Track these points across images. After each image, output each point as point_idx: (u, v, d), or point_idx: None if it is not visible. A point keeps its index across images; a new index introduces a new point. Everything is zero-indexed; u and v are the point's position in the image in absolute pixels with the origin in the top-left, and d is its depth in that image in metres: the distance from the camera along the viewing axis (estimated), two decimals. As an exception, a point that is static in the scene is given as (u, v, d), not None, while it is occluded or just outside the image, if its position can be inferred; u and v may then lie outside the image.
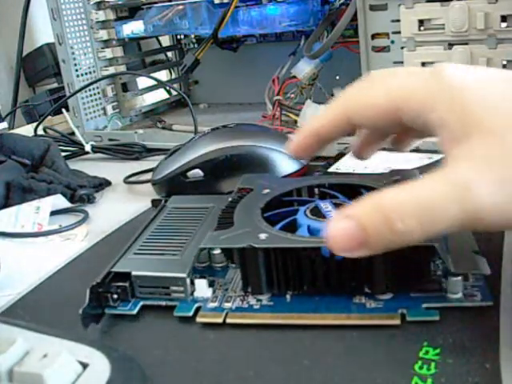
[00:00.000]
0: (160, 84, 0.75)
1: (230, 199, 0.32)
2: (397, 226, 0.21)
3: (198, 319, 0.26)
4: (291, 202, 0.32)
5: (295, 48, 0.63)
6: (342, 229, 0.23)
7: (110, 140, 0.67)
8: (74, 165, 0.58)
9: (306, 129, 0.29)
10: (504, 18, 0.44)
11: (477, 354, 0.22)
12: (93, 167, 0.59)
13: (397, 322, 0.24)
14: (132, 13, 0.70)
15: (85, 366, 0.21)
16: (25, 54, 0.88)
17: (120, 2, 0.69)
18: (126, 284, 0.27)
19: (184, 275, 0.27)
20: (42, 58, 0.90)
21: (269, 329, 0.25)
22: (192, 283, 0.27)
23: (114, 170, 0.56)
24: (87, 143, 0.63)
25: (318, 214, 0.29)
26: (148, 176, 0.49)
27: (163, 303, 0.27)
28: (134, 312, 0.27)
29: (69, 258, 0.35)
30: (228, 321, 0.26)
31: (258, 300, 0.27)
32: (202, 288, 0.27)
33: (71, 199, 0.48)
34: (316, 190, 0.33)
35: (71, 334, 0.23)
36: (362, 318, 0.25)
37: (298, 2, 0.59)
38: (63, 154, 0.59)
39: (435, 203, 0.21)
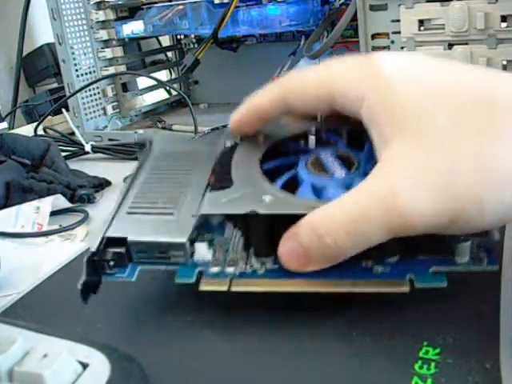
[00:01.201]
0: (160, 84, 0.75)
1: (224, 146, 0.29)
2: (326, 241, 0.23)
3: (202, 287, 0.25)
4: (289, 149, 0.30)
5: (295, 48, 0.63)
6: (288, 249, 0.24)
7: (110, 140, 0.67)
8: (74, 165, 0.58)
9: (246, 105, 0.28)
10: (504, 18, 0.44)
11: (477, 353, 0.22)
12: (93, 167, 0.59)
13: (405, 289, 0.24)
14: (132, 13, 0.70)
15: (85, 366, 0.21)
16: (25, 54, 0.88)
17: (120, 2, 0.69)
18: (123, 250, 0.26)
19: (183, 240, 0.25)
20: (42, 58, 0.90)
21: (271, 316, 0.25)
22: (191, 244, 0.26)
23: (114, 170, 0.56)
24: (87, 143, 0.64)
25: (319, 167, 0.27)
26: (148, 176, 0.49)
27: (162, 267, 0.26)
28: (133, 279, 0.26)
29: (69, 258, 0.35)
30: (233, 289, 0.25)
31: (262, 264, 0.26)
32: (202, 251, 0.26)
33: (71, 199, 0.48)
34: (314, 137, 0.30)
35: (71, 334, 0.23)
36: (369, 285, 0.24)
37: (298, 1, 0.59)
38: (63, 154, 0.59)
39: (361, 215, 0.22)
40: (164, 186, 0.29)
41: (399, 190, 0.21)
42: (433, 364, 0.22)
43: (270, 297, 0.25)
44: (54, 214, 0.46)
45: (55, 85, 0.89)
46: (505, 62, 0.45)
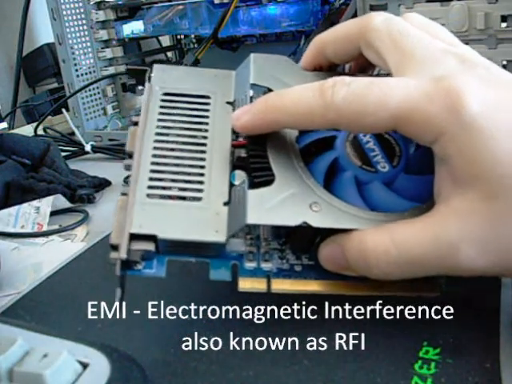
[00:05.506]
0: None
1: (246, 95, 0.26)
2: (373, 271, 0.22)
3: (241, 286, 0.24)
4: None
5: (295, 48, 0.63)
6: (330, 256, 0.24)
7: (110, 140, 0.67)
8: (74, 165, 0.58)
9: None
10: (504, 18, 0.44)
11: (477, 353, 0.22)
12: (93, 167, 0.59)
13: (436, 293, 0.24)
14: (132, 13, 0.70)
15: (85, 365, 0.21)
16: (25, 54, 0.88)
17: (120, 2, 0.69)
18: (152, 248, 0.23)
19: (223, 240, 0.23)
20: (42, 58, 0.90)
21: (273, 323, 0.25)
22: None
23: (114, 170, 0.56)
24: (87, 143, 0.64)
25: (359, 150, 0.25)
26: (148, 176, 0.49)
27: (192, 260, 0.24)
28: (163, 275, 0.24)
29: (69, 258, 0.35)
30: (273, 287, 0.24)
31: (298, 258, 0.25)
32: (235, 244, 0.24)
33: (71, 199, 0.48)
34: None
35: (71, 334, 0.23)
36: (403, 289, 0.24)
37: (298, 2, 0.59)
38: (63, 154, 0.59)
39: (417, 260, 0.22)
40: (180, 148, 0.25)
41: (466, 250, 0.21)
42: (433, 364, 0.22)
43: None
44: (54, 213, 0.46)
45: (55, 85, 0.89)
46: (505, 62, 0.45)
